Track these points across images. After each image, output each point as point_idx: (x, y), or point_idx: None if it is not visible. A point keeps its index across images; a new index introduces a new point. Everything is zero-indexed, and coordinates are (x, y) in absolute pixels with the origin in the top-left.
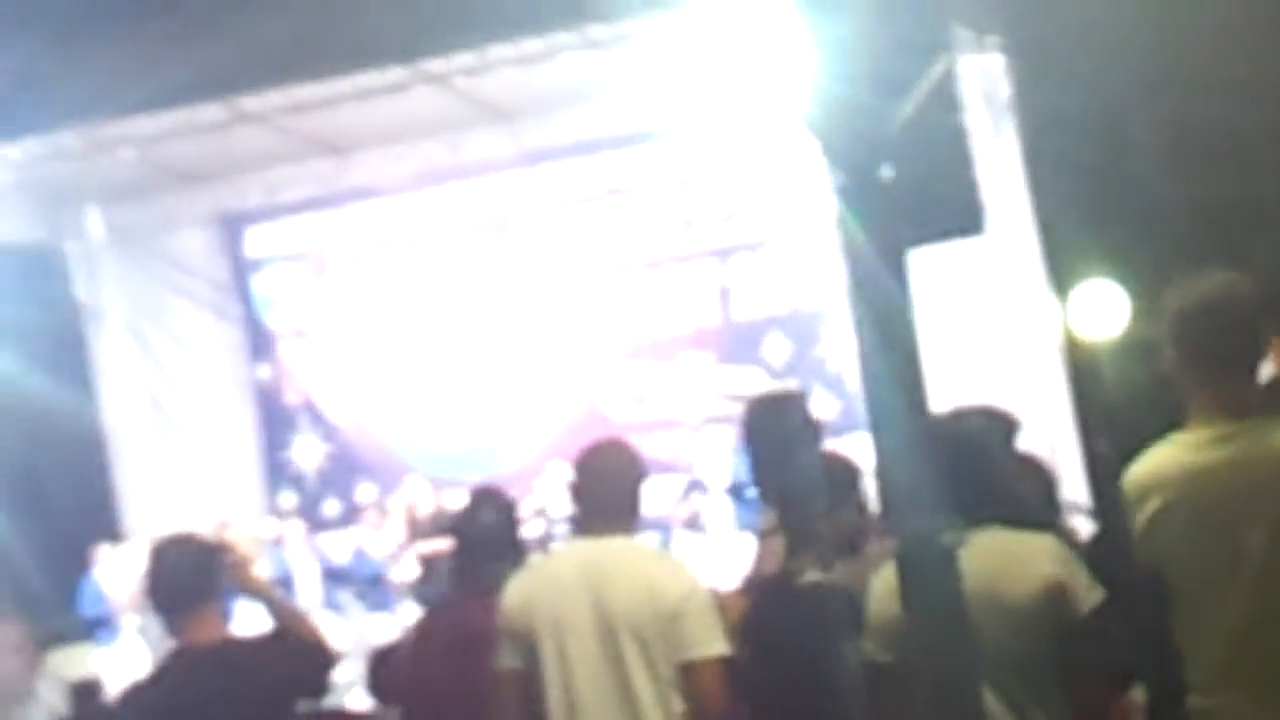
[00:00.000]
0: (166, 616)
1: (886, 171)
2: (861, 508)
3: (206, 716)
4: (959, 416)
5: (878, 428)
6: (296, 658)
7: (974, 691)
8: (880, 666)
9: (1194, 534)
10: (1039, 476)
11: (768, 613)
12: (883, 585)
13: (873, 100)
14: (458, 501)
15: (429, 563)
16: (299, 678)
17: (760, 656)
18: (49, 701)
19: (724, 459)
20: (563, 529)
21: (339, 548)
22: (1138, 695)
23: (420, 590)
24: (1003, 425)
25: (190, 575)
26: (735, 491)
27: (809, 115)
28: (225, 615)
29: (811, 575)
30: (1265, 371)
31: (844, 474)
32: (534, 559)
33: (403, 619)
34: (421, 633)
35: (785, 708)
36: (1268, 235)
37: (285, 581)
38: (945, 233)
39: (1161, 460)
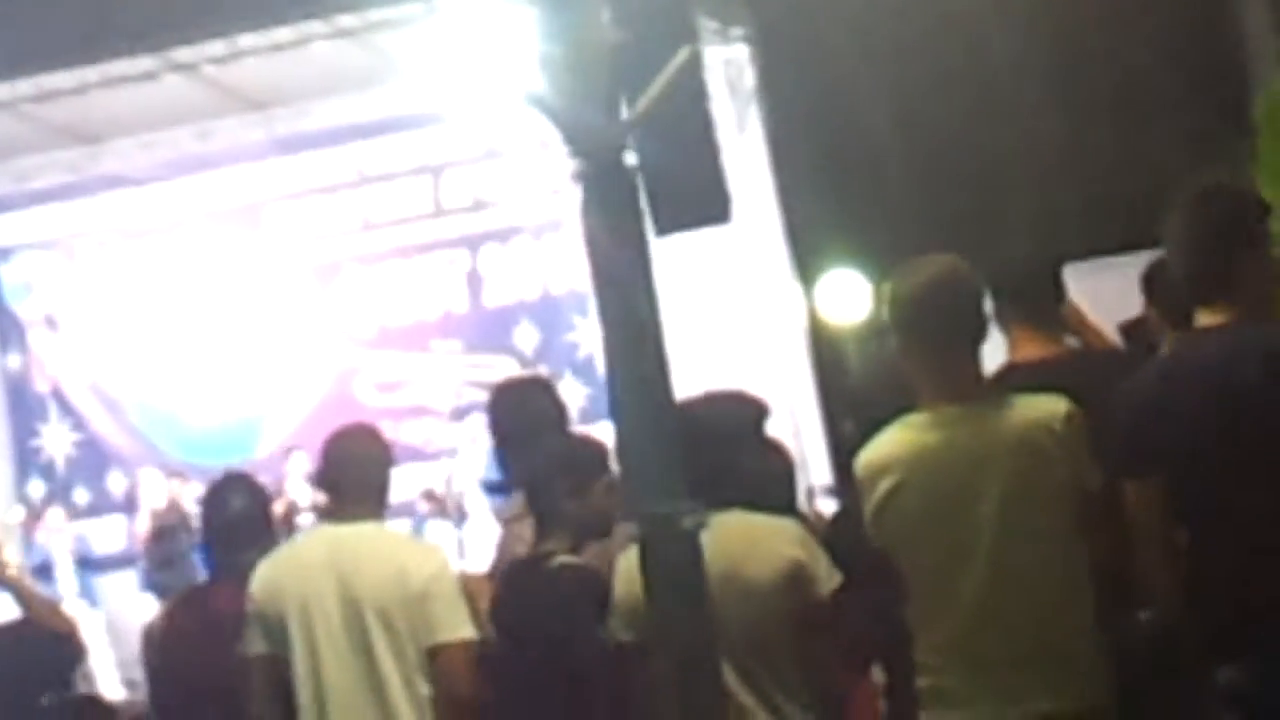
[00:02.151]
0: None
1: (629, 159)
2: (611, 490)
3: None
4: (708, 401)
5: (620, 412)
6: (39, 647)
7: (714, 670)
8: (624, 646)
9: (920, 516)
10: (782, 461)
11: (517, 596)
12: (627, 566)
13: (613, 89)
14: (196, 492)
15: (166, 550)
16: (42, 667)
17: (510, 639)
18: None
19: (474, 447)
20: (308, 518)
21: (98, 534)
22: (877, 676)
23: (156, 579)
24: (752, 410)
25: None
26: (489, 488)
27: (550, 103)
28: None
29: (561, 558)
30: (996, 355)
31: (593, 457)
32: (282, 544)
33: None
34: (171, 618)
35: (534, 690)
36: (1002, 222)
37: (42, 569)
38: (692, 221)
39: (890, 443)
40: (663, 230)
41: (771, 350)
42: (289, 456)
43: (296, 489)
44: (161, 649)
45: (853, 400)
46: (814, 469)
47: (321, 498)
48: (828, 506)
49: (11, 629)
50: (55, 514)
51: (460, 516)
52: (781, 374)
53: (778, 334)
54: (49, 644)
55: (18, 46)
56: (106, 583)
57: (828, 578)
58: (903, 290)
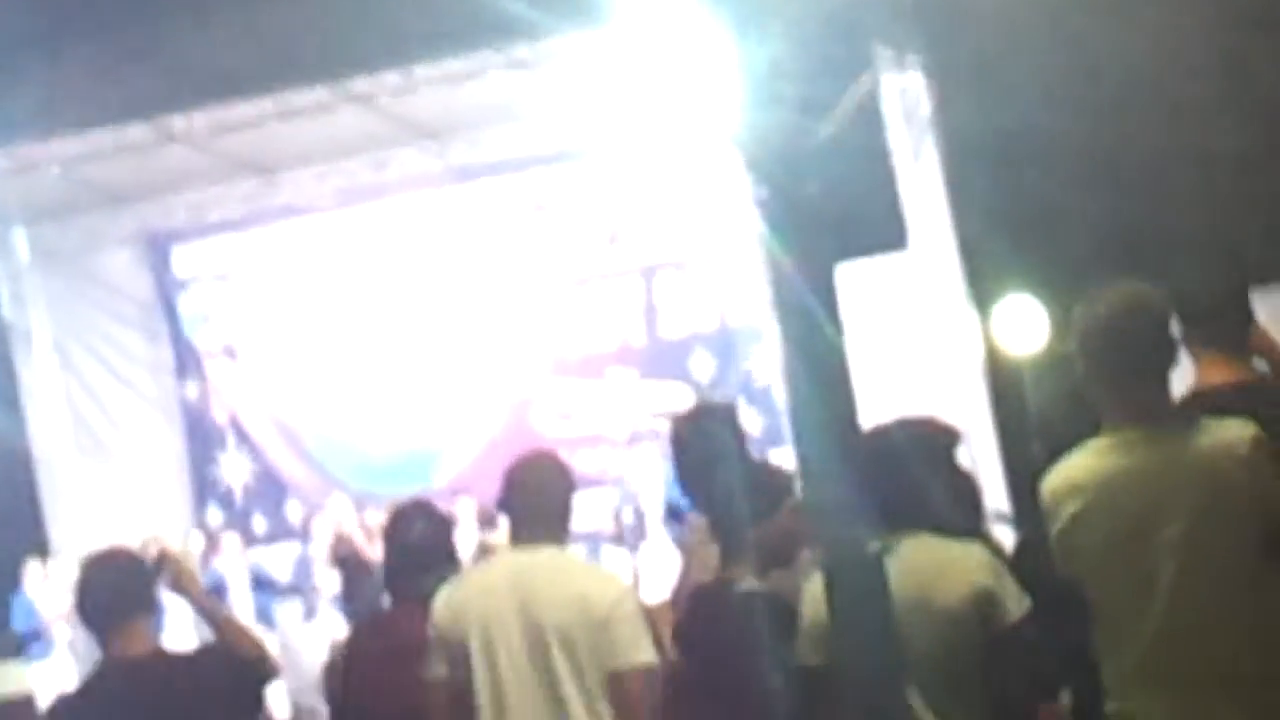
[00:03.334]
0: (96, 630)
1: (810, 188)
2: (793, 516)
3: None
4: (900, 426)
5: (803, 439)
6: (229, 670)
7: (899, 697)
8: (810, 670)
9: (1106, 541)
10: (970, 487)
11: (702, 621)
12: (813, 591)
13: (795, 117)
14: (378, 520)
15: (353, 577)
16: (232, 691)
17: (695, 664)
18: None
19: (651, 474)
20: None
21: (272, 561)
22: (1063, 702)
23: (344, 604)
24: (943, 436)
25: (119, 589)
26: (670, 513)
27: (732, 132)
28: (155, 628)
29: (745, 585)
30: (1183, 380)
31: (776, 483)
32: (465, 570)
33: (333, 632)
34: (354, 643)
35: (719, 716)
36: (1182, 249)
37: (218, 592)
38: (868, 248)
39: (1075, 468)
40: (839, 257)
41: (947, 377)
42: (462, 488)
43: (468, 518)
44: (344, 675)
45: (1034, 426)
46: (991, 496)
47: (488, 535)
48: (1003, 534)
49: (198, 653)
50: (231, 539)
51: (636, 543)
52: (957, 401)
53: (953, 361)
54: (237, 667)
55: (195, 79)
56: (282, 610)
57: (1016, 604)
58: (1090, 317)
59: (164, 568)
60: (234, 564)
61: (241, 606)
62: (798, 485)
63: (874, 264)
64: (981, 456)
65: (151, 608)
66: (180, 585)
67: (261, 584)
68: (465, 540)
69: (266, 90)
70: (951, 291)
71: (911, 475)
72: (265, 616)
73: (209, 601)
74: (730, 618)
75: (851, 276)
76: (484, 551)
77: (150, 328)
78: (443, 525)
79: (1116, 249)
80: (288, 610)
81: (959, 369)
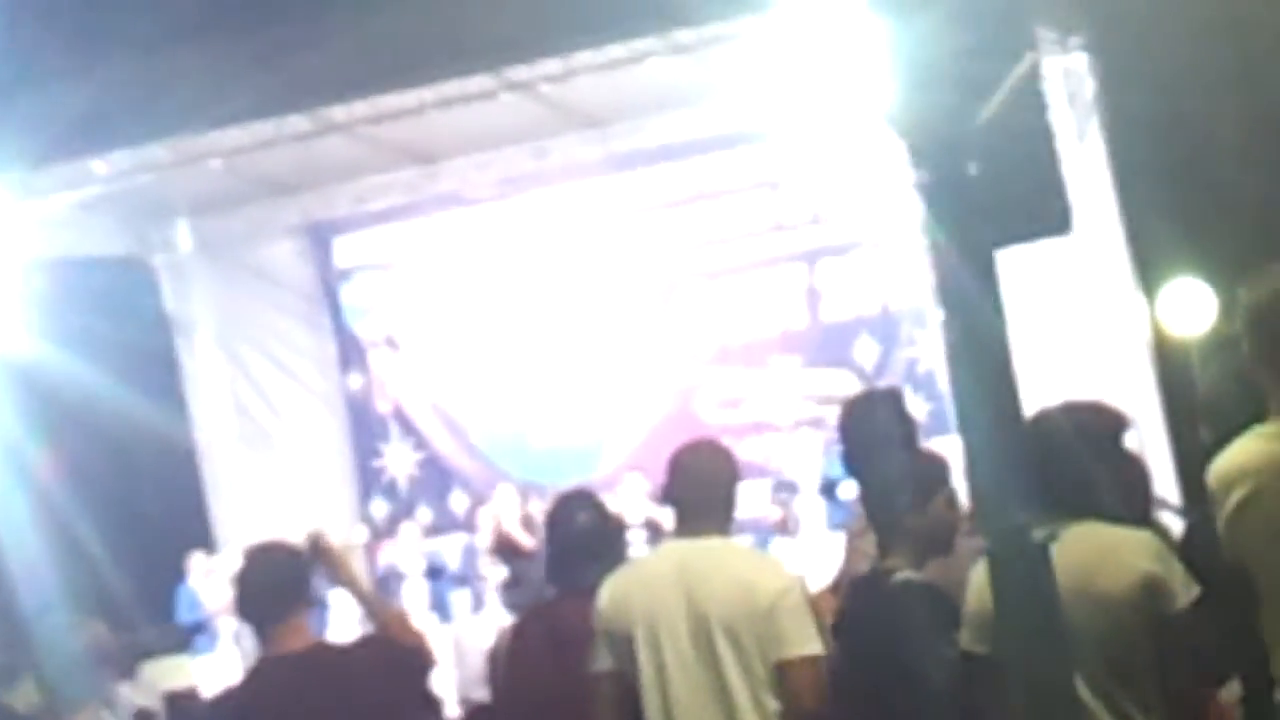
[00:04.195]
0: (255, 624)
1: (972, 169)
2: (952, 504)
3: None
4: (1067, 411)
5: (967, 426)
6: (389, 662)
7: (1067, 684)
8: (975, 658)
9: (1273, 527)
10: (1138, 473)
11: (860, 611)
12: (980, 578)
13: (957, 100)
14: (541, 510)
15: (517, 567)
16: (391, 681)
17: (853, 655)
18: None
19: (815, 461)
20: (639, 534)
21: (444, 550)
22: (1233, 691)
23: (508, 595)
24: (1111, 421)
25: (276, 584)
26: (827, 491)
27: (893, 116)
28: (314, 622)
29: (903, 574)
30: None
31: (935, 471)
32: (629, 560)
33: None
34: (517, 634)
35: (878, 706)
36: None
37: (390, 583)
38: (1031, 232)
39: (1242, 453)
40: (1002, 242)
41: (1115, 362)
42: (632, 473)
43: (630, 506)
44: (508, 665)
45: (1201, 411)
46: (1160, 482)
47: (656, 515)
48: (1171, 522)
49: (363, 643)
50: (409, 529)
51: (799, 531)
52: (1124, 385)
53: (1120, 345)
54: (398, 660)
55: (355, 69)
56: (454, 600)
57: (1184, 591)
58: (1255, 299)
59: (321, 561)
60: (410, 553)
61: (416, 597)
62: (955, 473)
63: (1039, 248)
64: (1149, 441)
65: (309, 601)
66: (337, 577)
67: (436, 574)
68: (634, 516)
69: (427, 79)
70: (1117, 275)
71: (1077, 461)
72: (441, 606)
73: (367, 593)
74: (886, 608)
75: (1016, 261)
76: (653, 530)
77: (313, 319)
78: (605, 515)
79: None
80: (456, 601)
81: (1126, 353)
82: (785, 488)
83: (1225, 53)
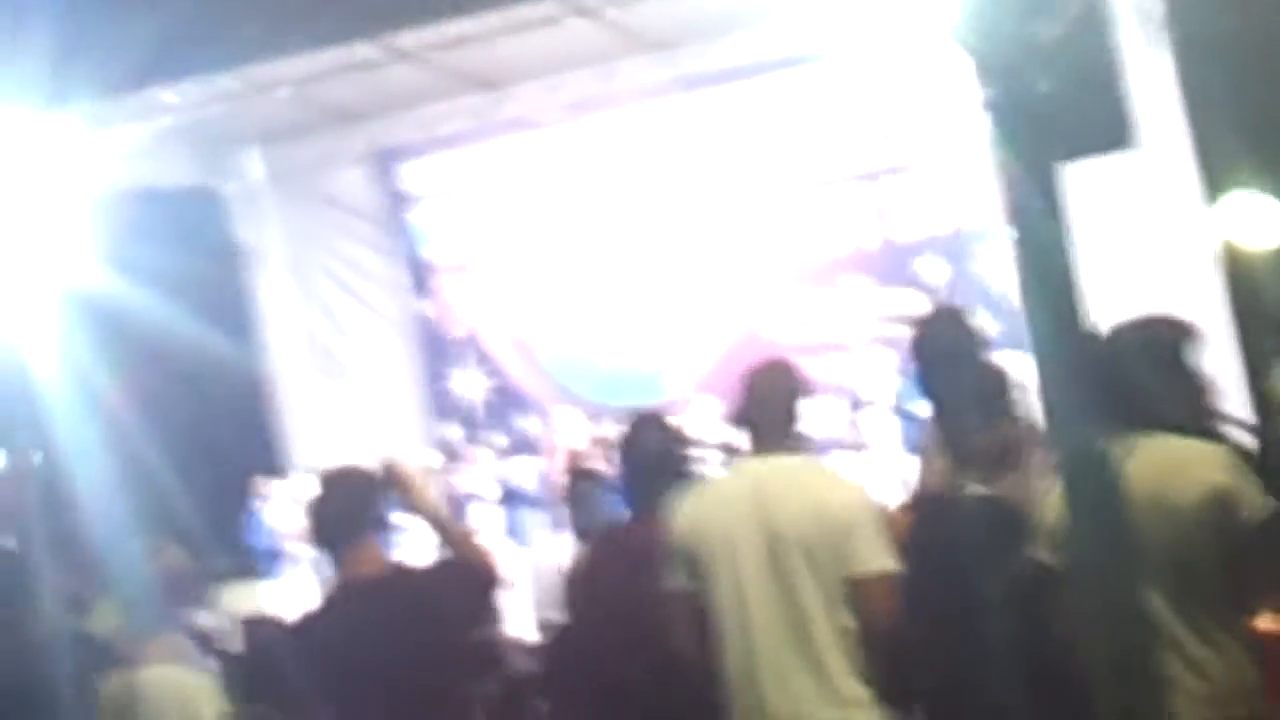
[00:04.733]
0: (329, 549)
1: (1042, 86)
2: (1020, 422)
3: (373, 648)
4: (1135, 326)
5: (1036, 342)
6: (461, 584)
7: (1136, 597)
8: (1048, 569)
9: None
10: (1200, 388)
11: (932, 528)
12: (1053, 493)
13: (1024, 17)
14: (612, 432)
15: (581, 490)
16: (463, 603)
17: (925, 571)
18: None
19: (887, 380)
20: (715, 456)
21: (519, 473)
22: None
23: (579, 517)
24: (1180, 333)
25: (348, 509)
26: (901, 409)
27: (961, 31)
28: (387, 545)
29: (974, 489)
30: None
31: (1003, 387)
32: (703, 479)
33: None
34: (593, 555)
35: (951, 622)
36: None
37: (463, 507)
38: (1096, 147)
39: None
40: (1066, 157)
41: (1183, 277)
42: (696, 399)
43: (704, 428)
44: (583, 585)
45: (1272, 322)
46: (1230, 396)
47: (730, 437)
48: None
49: (428, 570)
50: (483, 453)
51: (872, 449)
52: (1194, 300)
53: (1190, 259)
54: (466, 581)
55: None
56: (531, 522)
57: (1258, 504)
58: None
59: (393, 486)
60: (483, 477)
61: (491, 521)
62: (1021, 389)
63: (1108, 162)
64: (1220, 355)
65: (381, 526)
66: (409, 503)
67: (512, 498)
68: (707, 438)
69: (492, 5)
70: (1186, 190)
71: (1149, 375)
72: (516, 531)
73: (440, 517)
74: (956, 525)
75: (1085, 175)
76: (728, 451)
77: (383, 245)
78: (678, 436)
79: None
80: (533, 523)
81: (1195, 267)
82: (857, 406)
83: None
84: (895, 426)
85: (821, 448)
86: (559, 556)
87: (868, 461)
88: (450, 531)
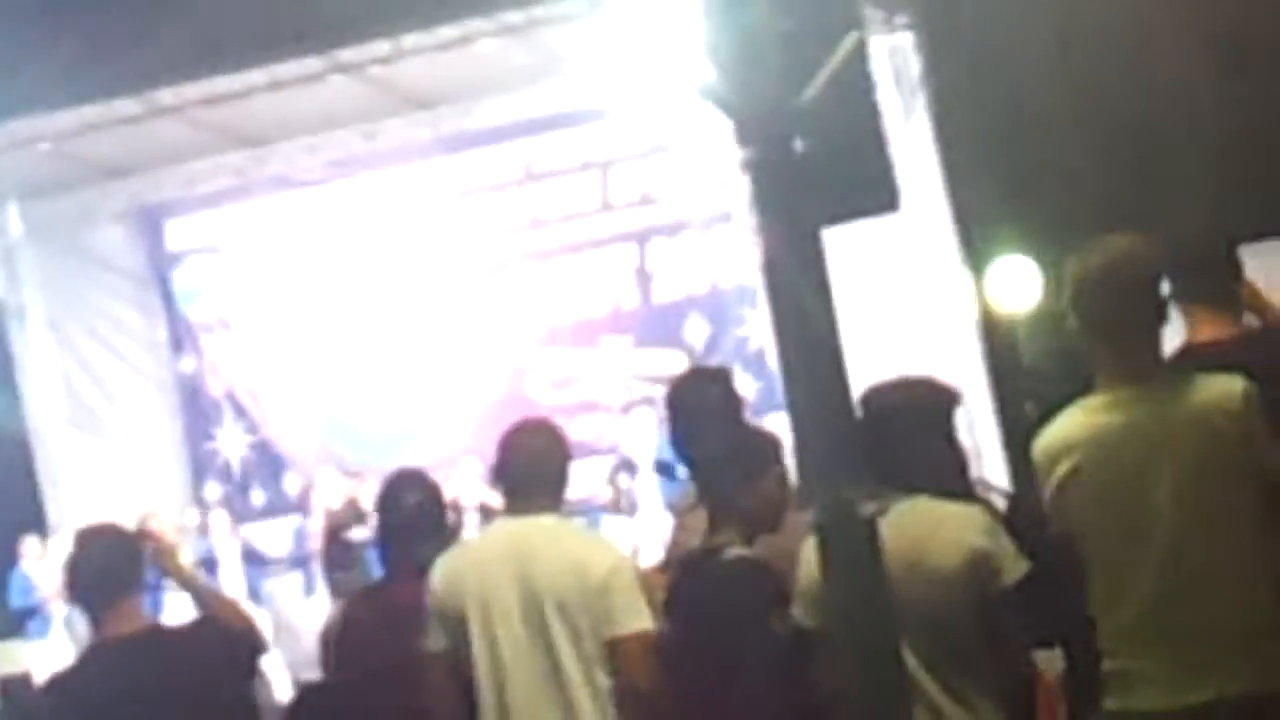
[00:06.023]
0: (87, 608)
1: (799, 146)
2: (782, 482)
3: (130, 706)
4: (897, 387)
5: (795, 402)
6: (221, 643)
7: (894, 658)
8: (803, 633)
9: (1098, 498)
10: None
11: (689, 588)
12: (810, 553)
13: (782, 78)
14: (372, 491)
15: (343, 549)
16: (224, 663)
17: (683, 632)
18: None
19: (647, 440)
20: (474, 518)
21: (266, 536)
22: (1055, 665)
23: (333, 578)
24: (943, 397)
25: (108, 567)
26: (662, 468)
27: (719, 95)
28: (146, 605)
29: (732, 551)
30: (1175, 339)
31: (764, 448)
32: (461, 540)
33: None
34: (349, 614)
35: (709, 683)
36: (1175, 205)
37: (210, 569)
38: (859, 210)
39: (1067, 426)
40: (830, 220)
41: (942, 339)
42: (464, 456)
43: (465, 489)
44: (340, 645)
45: (1028, 386)
46: (987, 459)
47: (489, 498)
48: (997, 500)
49: (189, 627)
50: (219, 516)
51: (632, 510)
52: (953, 363)
53: (948, 322)
54: (228, 639)
55: (183, 51)
56: (277, 584)
57: (1014, 566)
58: (1082, 271)
59: (145, 545)
60: (224, 540)
61: (233, 583)
62: (786, 451)
63: (867, 226)
64: (977, 417)
65: (141, 585)
66: (160, 562)
67: (253, 560)
68: (469, 499)
69: (255, 62)
70: (944, 252)
71: (907, 437)
72: (256, 593)
73: (190, 577)
74: (714, 585)
75: (844, 238)
76: (486, 513)
77: (144, 303)
78: (436, 495)
79: (1108, 206)
80: (287, 584)
81: (953, 330)
82: (621, 467)
83: (1048, 31)
84: (656, 487)
85: (582, 509)
86: (314, 618)
87: (629, 522)
88: (201, 593)
